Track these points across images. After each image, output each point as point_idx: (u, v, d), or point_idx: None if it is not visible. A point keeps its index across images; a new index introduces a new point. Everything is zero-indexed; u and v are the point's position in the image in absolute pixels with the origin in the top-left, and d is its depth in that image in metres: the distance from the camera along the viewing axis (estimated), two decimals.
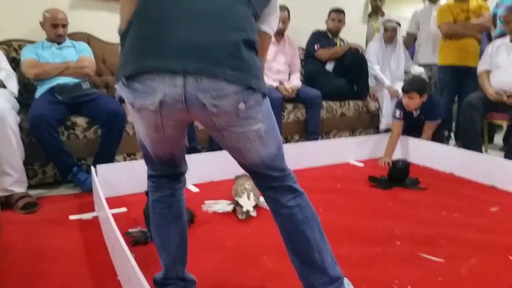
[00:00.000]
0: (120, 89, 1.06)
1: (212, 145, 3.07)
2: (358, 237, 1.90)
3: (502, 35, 3.56)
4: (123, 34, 1.07)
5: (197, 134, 3.03)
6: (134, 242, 1.80)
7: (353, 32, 4.54)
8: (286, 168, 1.21)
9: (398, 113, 3.30)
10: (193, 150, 2.96)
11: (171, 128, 1.09)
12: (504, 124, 3.97)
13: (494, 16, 3.93)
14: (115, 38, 3.38)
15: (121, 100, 3.01)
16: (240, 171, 1.28)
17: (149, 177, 1.30)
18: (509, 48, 3.32)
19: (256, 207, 2.18)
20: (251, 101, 1.03)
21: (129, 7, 1.09)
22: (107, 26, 3.43)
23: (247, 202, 2.13)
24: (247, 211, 2.09)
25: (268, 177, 1.18)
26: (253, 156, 1.14)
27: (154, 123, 1.06)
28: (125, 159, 2.82)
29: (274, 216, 1.22)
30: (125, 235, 1.83)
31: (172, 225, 1.29)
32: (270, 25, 1.23)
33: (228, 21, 1.01)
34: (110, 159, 2.60)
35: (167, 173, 1.27)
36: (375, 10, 4.80)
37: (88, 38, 3.23)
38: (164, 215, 1.28)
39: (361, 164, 3.23)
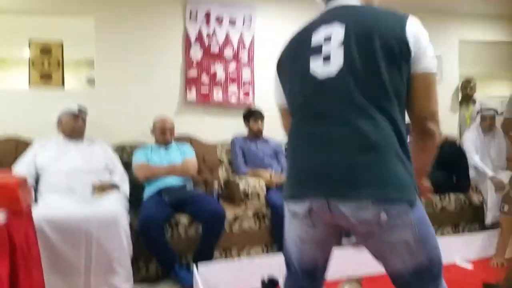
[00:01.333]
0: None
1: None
2: None
3: None
4: (285, 148, 1.33)
5: None
6: None
7: (444, 122, 4.41)
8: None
9: (506, 207, 3.02)
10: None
11: (322, 227, 1.18)
12: None
13: None
14: (213, 139, 3.68)
15: (218, 197, 3.17)
16: None
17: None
18: None
19: None
20: (393, 211, 1.05)
21: (285, 122, 1.38)
22: (207, 128, 3.77)
23: None
24: None
25: None
26: (398, 264, 1.11)
27: (306, 223, 1.18)
28: (221, 254, 2.89)
29: None
30: None
31: None
32: (422, 65, 1.13)
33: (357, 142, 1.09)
34: (209, 255, 2.68)
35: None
36: (466, 99, 4.69)
37: (190, 140, 3.53)
38: None
39: (470, 266, 2.94)
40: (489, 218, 3.62)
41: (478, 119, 3.92)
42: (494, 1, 4.22)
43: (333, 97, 1.12)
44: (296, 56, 1.24)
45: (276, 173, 3.29)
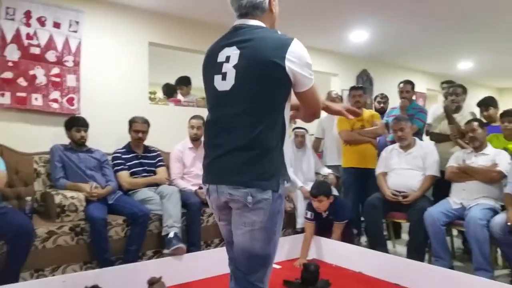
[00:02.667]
0: None
1: (127, 256, 3.01)
2: None
3: (393, 141, 4.06)
4: None
5: (110, 246, 2.97)
6: None
7: None
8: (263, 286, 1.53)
9: (309, 214, 3.53)
10: (106, 261, 2.88)
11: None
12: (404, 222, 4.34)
13: (387, 123, 4.50)
14: (30, 149, 3.37)
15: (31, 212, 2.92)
16: None
17: None
18: (399, 153, 3.79)
19: None
20: (258, 197, 1.42)
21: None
22: (23, 137, 3.43)
23: None
24: None
25: (242, 274, 1.53)
26: (239, 241, 1.51)
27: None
28: (32, 275, 2.67)
29: None
30: None
31: None
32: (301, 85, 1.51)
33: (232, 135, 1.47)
34: (14, 278, 2.45)
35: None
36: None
37: (1, 149, 3.17)
38: None
39: (278, 266, 3.32)
40: (299, 224, 4.13)
41: (293, 135, 4.45)
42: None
43: (226, 108, 1.48)
44: (208, 67, 1.58)
45: (98, 186, 3.19)
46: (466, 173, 3.31)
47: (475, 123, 3.35)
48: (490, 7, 4.10)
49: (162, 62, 6.06)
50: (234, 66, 1.45)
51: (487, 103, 4.09)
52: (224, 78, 1.48)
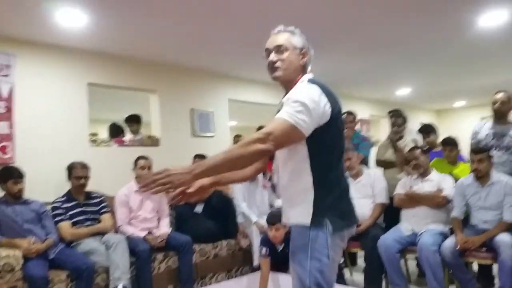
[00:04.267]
0: None
1: None
2: None
3: None
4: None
5: None
6: None
7: None
8: None
9: (264, 250, 3.43)
10: None
11: None
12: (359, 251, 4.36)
13: None
14: None
15: None
16: None
17: None
18: (352, 182, 3.83)
19: None
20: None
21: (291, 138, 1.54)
22: None
23: None
24: None
25: None
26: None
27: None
28: None
29: None
30: None
31: None
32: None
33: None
34: None
35: None
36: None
37: None
38: None
39: None
40: (256, 261, 4.03)
41: None
42: (258, 69, 4.91)
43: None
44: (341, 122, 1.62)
45: (38, 241, 2.94)
46: (413, 200, 3.39)
47: (417, 151, 3.47)
48: (423, 38, 4.34)
49: (111, 99, 5.89)
50: None
51: (427, 131, 4.28)
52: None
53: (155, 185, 1.31)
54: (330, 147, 1.56)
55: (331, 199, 1.54)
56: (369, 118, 7.81)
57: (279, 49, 1.61)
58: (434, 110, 10.30)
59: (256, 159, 1.49)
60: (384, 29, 4.00)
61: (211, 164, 1.38)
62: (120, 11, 3.15)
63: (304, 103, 1.45)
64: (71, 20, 3.26)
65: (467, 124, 9.26)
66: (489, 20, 3.77)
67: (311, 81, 1.59)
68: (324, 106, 1.49)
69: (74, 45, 3.88)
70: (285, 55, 1.61)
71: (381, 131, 8.31)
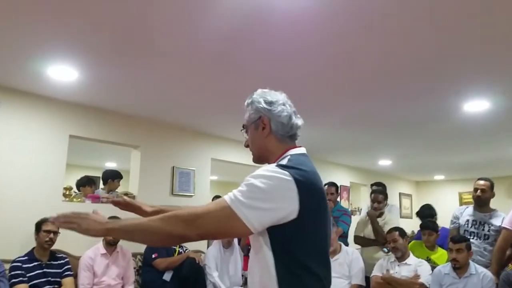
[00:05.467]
0: None
1: None
2: None
3: None
4: None
5: None
6: None
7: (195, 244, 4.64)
8: None
9: None
10: None
11: None
12: None
13: None
14: None
15: None
16: None
17: None
18: None
19: None
20: None
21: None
22: None
23: None
24: None
25: None
26: None
27: None
28: None
29: None
30: None
31: None
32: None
33: None
34: None
35: None
36: None
37: None
38: None
39: None
40: None
41: None
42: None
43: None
44: (324, 204, 1.29)
45: None
46: (390, 284, 3.30)
47: (396, 233, 3.42)
48: (408, 118, 4.45)
49: (90, 147, 5.77)
50: None
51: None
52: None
53: (64, 221, 1.29)
54: (304, 252, 1.20)
55: None
56: (349, 185, 7.81)
57: (244, 129, 1.45)
58: (413, 181, 10.41)
59: (174, 243, 1.34)
60: (370, 107, 4.08)
61: (122, 226, 1.24)
62: (108, 67, 3.13)
63: (256, 187, 1.16)
64: (62, 75, 3.23)
65: (445, 196, 9.47)
66: (472, 106, 3.90)
67: (292, 161, 1.26)
68: (285, 200, 1.16)
69: (60, 97, 3.83)
70: (248, 135, 1.43)
71: (361, 199, 8.31)
